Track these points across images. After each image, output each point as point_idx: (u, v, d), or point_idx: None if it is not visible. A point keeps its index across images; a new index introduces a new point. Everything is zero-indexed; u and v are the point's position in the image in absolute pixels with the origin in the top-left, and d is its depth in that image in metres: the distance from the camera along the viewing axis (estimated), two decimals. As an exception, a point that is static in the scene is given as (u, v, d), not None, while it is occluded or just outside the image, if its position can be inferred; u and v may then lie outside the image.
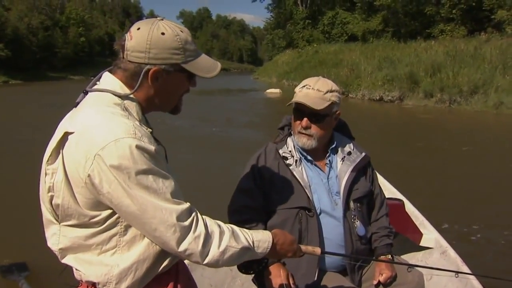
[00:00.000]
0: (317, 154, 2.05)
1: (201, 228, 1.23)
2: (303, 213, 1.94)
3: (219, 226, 1.29)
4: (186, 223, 1.20)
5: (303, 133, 1.98)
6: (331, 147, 2.06)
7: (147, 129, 1.26)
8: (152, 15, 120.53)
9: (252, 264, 1.43)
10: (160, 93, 1.30)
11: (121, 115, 1.19)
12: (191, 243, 1.20)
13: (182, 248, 1.20)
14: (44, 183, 1.24)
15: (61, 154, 1.19)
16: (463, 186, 6.48)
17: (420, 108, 16.54)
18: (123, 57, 1.26)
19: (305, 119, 1.95)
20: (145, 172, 1.15)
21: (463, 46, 19.24)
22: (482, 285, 2.20)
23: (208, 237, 1.23)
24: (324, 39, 39.91)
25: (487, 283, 2.23)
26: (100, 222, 1.22)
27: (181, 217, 1.19)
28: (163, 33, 1.23)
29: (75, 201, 1.20)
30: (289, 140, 2.08)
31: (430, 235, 2.87)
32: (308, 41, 41.18)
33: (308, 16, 43.76)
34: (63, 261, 1.30)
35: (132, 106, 1.27)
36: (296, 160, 2.01)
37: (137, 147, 1.14)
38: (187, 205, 1.23)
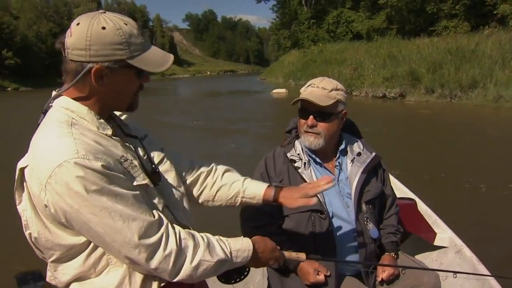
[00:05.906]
0: (326, 156, 2.02)
1: (172, 244, 1.15)
2: (316, 216, 1.90)
3: (194, 238, 1.22)
4: (152, 240, 1.13)
5: (309, 132, 1.94)
6: (340, 149, 2.02)
7: (107, 133, 1.21)
8: (158, 19, 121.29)
9: (233, 273, 1.39)
10: (110, 93, 1.21)
11: (63, 134, 1.11)
12: (161, 262, 1.14)
13: (152, 266, 1.14)
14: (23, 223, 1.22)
15: (26, 190, 1.16)
16: (469, 180, 6.46)
17: (422, 104, 16.72)
18: (65, 56, 1.18)
19: (311, 117, 1.91)
20: (96, 193, 1.07)
21: (466, 41, 19.26)
22: (500, 285, 2.13)
23: (180, 253, 1.16)
24: (329, 38, 39.84)
25: (506, 282, 2.20)
26: (83, 247, 1.17)
27: (145, 234, 1.12)
28: (103, 27, 1.13)
29: (50, 233, 1.16)
30: (296, 143, 2.05)
31: (444, 234, 2.77)
32: (313, 41, 41.16)
33: (313, 16, 43.78)
34: None
35: (85, 115, 1.19)
36: (305, 163, 1.97)
37: (82, 167, 1.06)
38: (152, 219, 1.15)
